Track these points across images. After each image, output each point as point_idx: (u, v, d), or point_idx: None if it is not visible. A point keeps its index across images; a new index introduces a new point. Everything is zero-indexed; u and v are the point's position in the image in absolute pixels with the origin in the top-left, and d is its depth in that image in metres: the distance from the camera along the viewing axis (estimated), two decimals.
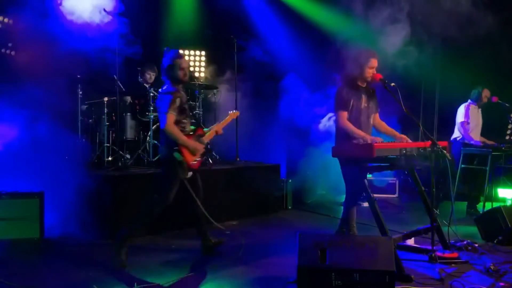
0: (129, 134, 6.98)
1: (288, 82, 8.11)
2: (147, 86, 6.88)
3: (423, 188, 4.85)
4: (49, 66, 5.99)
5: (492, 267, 4.22)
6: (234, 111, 5.41)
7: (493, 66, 7.87)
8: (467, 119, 6.81)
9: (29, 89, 5.66)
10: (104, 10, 6.02)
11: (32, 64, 6.04)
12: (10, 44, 6.17)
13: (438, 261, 4.34)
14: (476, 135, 6.89)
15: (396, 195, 8.30)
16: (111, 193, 5.50)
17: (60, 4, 5.90)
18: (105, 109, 6.70)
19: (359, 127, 4.67)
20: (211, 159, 6.99)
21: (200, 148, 4.65)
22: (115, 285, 4.04)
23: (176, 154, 4.45)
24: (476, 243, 4.96)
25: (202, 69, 8.72)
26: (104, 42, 6.15)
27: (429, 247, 4.43)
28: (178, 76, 4.56)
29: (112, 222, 5.38)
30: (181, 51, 4.87)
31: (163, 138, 4.57)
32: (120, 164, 6.35)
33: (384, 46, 5.15)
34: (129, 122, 6.99)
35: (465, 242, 4.87)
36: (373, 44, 5.14)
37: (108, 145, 6.65)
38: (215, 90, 7.92)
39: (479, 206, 6.75)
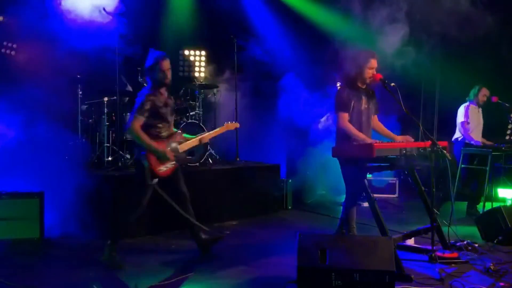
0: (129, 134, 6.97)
1: (288, 81, 8.11)
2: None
3: (423, 188, 4.85)
4: (49, 66, 5.99)
5: (492, 267, 4.22)
6: (231, 122, 5.16)
7: (493, 66, 7.86)
8: (467, 119, 6.81)
9: (29, 89, 5.66)
10: (104, 9, 6.02)
11: (32, 64, 6.04)
12: (10, 44, 6.16)
13: (438, 261, 4.33)
14: (477, 136, 6.89)
15: (396, 195, 8.30)
16: (111, 193, 5.50)
17: (60, 3, 5.90)
18: (105, 109, 6.70)
19: (359, 128, 4.68)
20: (211, 159, 7.00)
21: (170, 155, 4.41)
22: (115, 285, 4.05)
23: (143, 159, 4.32)
24: (476, 243, 4.96)
25: (202, 68, 8.72)
26: (104, 42, 6.15)
27: (429, 247, 4.43)
28: (158, 78, 4.44)
29: (112, 222, 5.38)
30: (171, 52, 4.70)
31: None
32: (120, 164, 6.35)
33: (384, 46, 5.14)
34: None
35: (465, 242, 4.87)
36: (373, 44, 5.14)
37: (108, 145, 6.65)
38: (215, 90, 7.91)
39: (479, 206, 6.75)
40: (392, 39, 5.19)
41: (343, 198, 5.08)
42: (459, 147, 6.85)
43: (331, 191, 8.11)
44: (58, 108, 6.03)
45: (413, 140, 4.66)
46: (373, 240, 3.78)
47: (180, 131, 4.81)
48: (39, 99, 5.69)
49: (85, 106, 6.96)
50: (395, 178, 8.33)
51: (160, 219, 5.63)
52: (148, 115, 4.37)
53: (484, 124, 7.05)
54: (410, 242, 4.96)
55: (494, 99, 6.93)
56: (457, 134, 6.96)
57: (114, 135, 6.83)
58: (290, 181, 7.45)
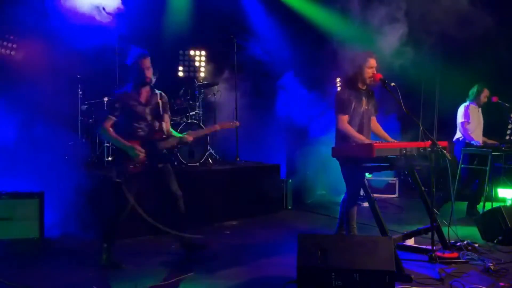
0: None
1: (287, 81, 8.12)
2: None
3: (423, 188, 4.85)
4: (49, 66, 6.00)
5: (492, 267, 4.21)
6: (226, 121, 5.09)
7: (493, 66, 7.85)
8: (467, 119, 6.80)
9: (29, 89, 5.67)
10: (104, 9, 6.02)
11: (32, 64, 6.04)
12: (10, 44, 6.17)
13: (438, 261, 4.33)
14: (478, 136, 6.87)
15: (396, 195, 8.30)
16: (111, 193, 5.49)
17: (60, 3, 5.90)
18: (105, 109, 6.70)
19: (360, 130, 4.68)
20: (211, 159, 7.00)
21: (139, 153, 4.26)
22: (115, 285, 4.05)
23: (119, 156, 4.34)
24: (476, 243, 4.96)
25: (202, 68, 8.72)
26: (104, 42, 6.15)
27: (429, 247, 4.42)
28: (137, 76, 4.36)
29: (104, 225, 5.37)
30: (147, 51, 4.43)
31: None
32: None
33: (383, 46, 5.14)
34: None
35: (465, 242, 4.86)
36: (372, 44, 5.14)
37: (108, 145, 6.64)
38: (215, 90, 7.91)
39: (479, 206, 6.74)
40: (391, 39, 5.19)
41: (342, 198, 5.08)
42: (460, 147, 6.84)
43: (331, 191, 8.12)
44: (58, 108, 6.04)
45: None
46: (373, 240, 3.77)
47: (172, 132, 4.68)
48: (39, 99, 5.70)
49: (85, 106, 6.96)
50: (395, 178, 8.33)
51: (160, 219, 5.61)
52: (121, 114, 4.34)
53: (484, 124, 7.03)
54: (410, 242, 4.95)
55: (494, 99, 6.93)
56: (458, 135, 6.95)
57: None
58: (290, 181, 7.45)
